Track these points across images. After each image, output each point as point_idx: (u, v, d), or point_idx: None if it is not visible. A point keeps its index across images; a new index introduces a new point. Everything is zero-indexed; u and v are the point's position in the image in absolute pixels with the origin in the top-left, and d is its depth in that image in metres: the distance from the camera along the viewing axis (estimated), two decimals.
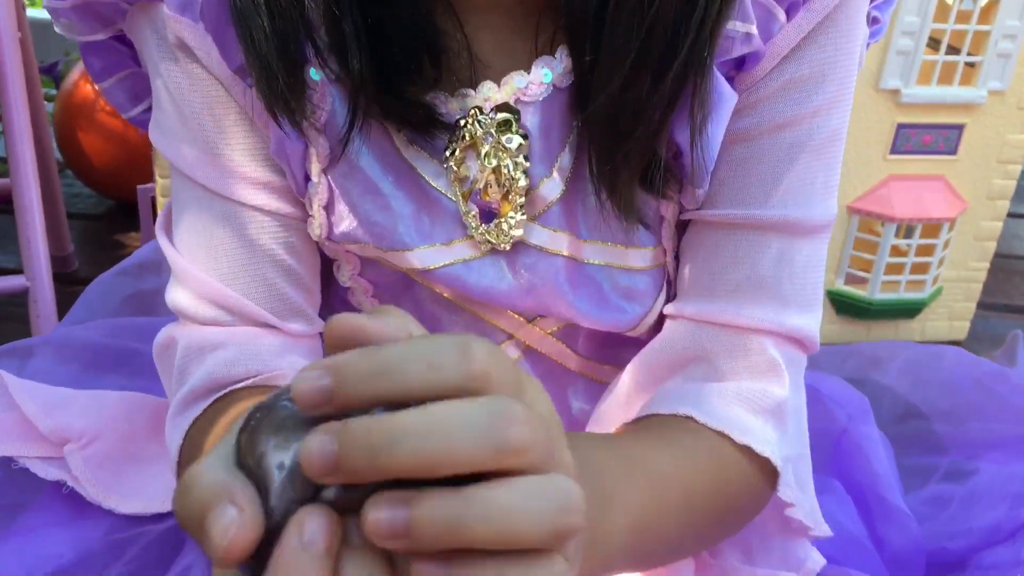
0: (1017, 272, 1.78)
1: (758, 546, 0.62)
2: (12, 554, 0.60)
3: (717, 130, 0.55)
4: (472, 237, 0.58)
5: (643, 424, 0.57)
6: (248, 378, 0.58)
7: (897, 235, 1.37)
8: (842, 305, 1.42)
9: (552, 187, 0.58)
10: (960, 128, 1.32)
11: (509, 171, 0.56)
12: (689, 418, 0.55)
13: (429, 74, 0.55)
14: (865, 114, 1.29)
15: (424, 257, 0.59)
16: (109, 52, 0.65)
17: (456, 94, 0.56)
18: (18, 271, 1.20)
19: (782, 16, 0.55)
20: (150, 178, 1.36)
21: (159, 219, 0.65)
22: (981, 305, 1.53)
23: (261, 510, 0.30)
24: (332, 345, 0.33)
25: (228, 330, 0.60)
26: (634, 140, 0.54)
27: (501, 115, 0.56)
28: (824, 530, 0.59)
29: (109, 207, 1.82)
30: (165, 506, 0.65)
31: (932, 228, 1.38)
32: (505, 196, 0.57)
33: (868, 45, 0.62)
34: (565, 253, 0.59)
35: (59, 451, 0.65)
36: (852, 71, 0.58)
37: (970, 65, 1.30)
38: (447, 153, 0.57)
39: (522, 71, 0.56)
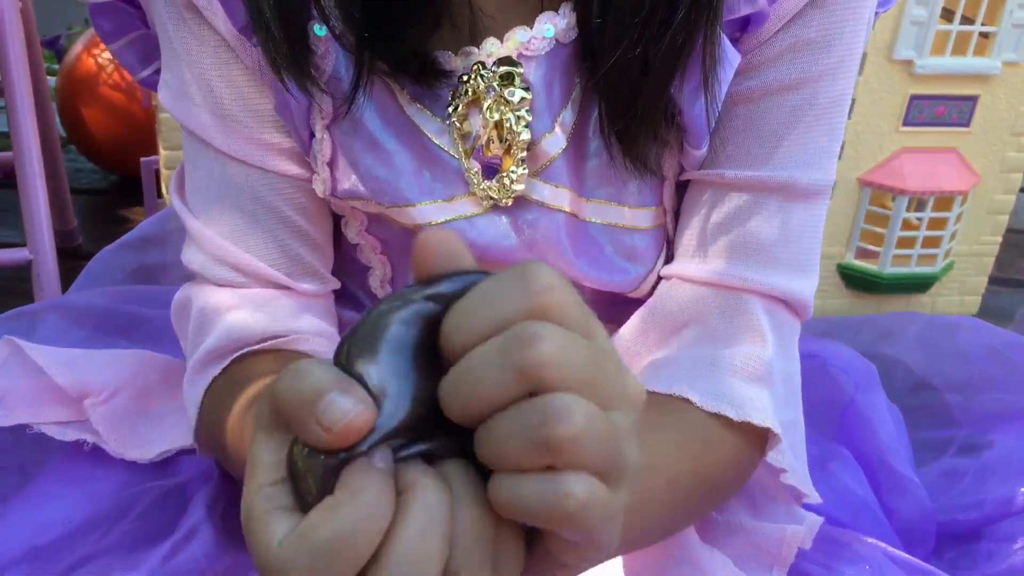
0: None
1: (763, 501, 0.62)
2: (20, 519, 0.61)
3: (719, 91, 0.55)
4: (474, 194, 0.59)
5: None
6: (263, 339, 0.59)
7: (909, 208, 1.35)
8: (852, 279, 1.41)
9: (554, 142, 0.58)
10: (974, 100, 1.31)
11: (511, 125, 0.56)
12: (685, 399, 0.55)
13: (431, 25, 0.55)
14: (878, 85, 1.27)
15: (425, 213, 0.59)
16: (118, 14, 0.66)
17: (460, 51, 0.57)
18: (22, 245, 1.20)
19: None
20: (154, 151, 1.35)
21: (173, 179, 0.66)
22: (992, 280, 1.51)
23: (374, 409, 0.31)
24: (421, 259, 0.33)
25: (242, 291, 0.61)
26: (644, 97, 0.54)
27: (503, 68, 0.56)
28: (814, 496, 0.59)
29: (113, 182, 1.81)
30: (184, 443, 0.66)
31: (944, 201, 1.36)
32: (507, 151, 0.57)
33: (878, 14, 0.62)
34: (567, 209, 0.59)
35: (75, 414, 0.65)
36: (859, 37, 0.57)
37: (984, 36, 1.28)
38: (450, 109, 0.57)
39: (525, 26, 0.56)
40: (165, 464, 0.66)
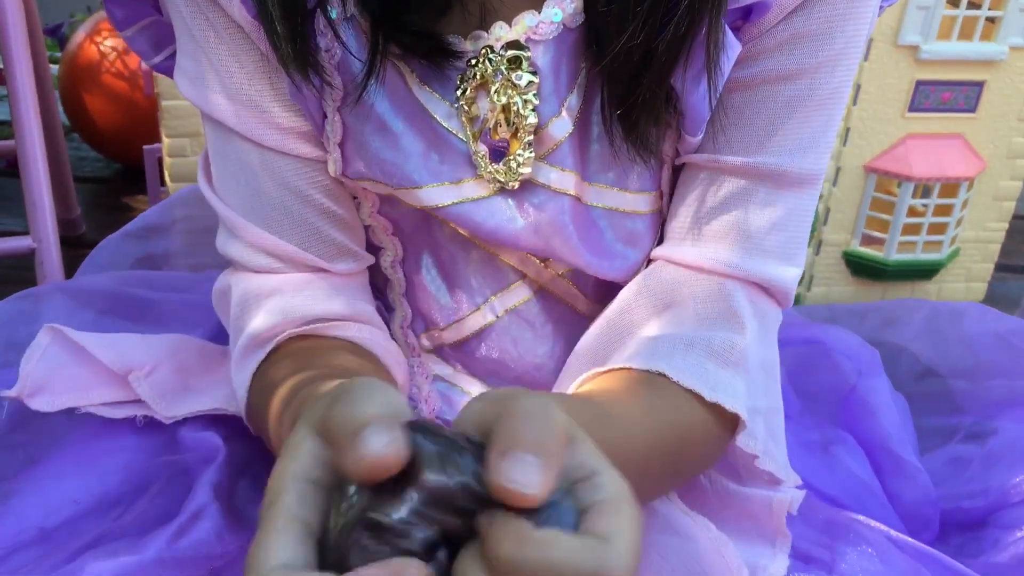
0: None
1: (747, 475, 0.62)
2: (28, 502, 0.62)
3: (720, 79, 0.56)
4: (481, 177, 0.59)
5: (615, 378, 0.58)
6: (303, 323, 0.61)
7: (914, 195, 1.34)
8: (858, 266, 1.40)
9: (561, 126, 0.58)
10: (980, 85, 1.30)
11: (518, 108, 0.56)
12: (662, 375, 0.56)
13: (442, 8, 0.56)
14: (883, 71, 1.27)
15: (433, 195, 0.59)
16: (130, 1, 0.65)
17: (469, 36, 0.57)
18: (25, 234, 1.19)
19: None
20: (157, 139, 1.35)
21: (200, 167, 0.67)
22: (998, 267, 1.50)
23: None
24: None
25: (280, 277, 0.63)
26: (646, 83, 0.54)
27: (511, 52, 0.56)
28: (792, 479, 0.60)
29: (116, 170, 1.81)
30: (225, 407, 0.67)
31: (950, 188, 1.35)
32: (514, 134, 0.57)
33: (882, 8, 0.62)
34: (572, 193, 0.60)
35: (120, 395, 0.66)
36: (861, 31, 0.58)
37: (991, 20, 1.28)
38: (458, 93, 0.58)
39: (533, 11, 0.56)
40: (170, 446, 0.66)
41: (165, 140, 1.18)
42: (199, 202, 0.95)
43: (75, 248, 1.42)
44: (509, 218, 0.60)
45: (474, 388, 0.69)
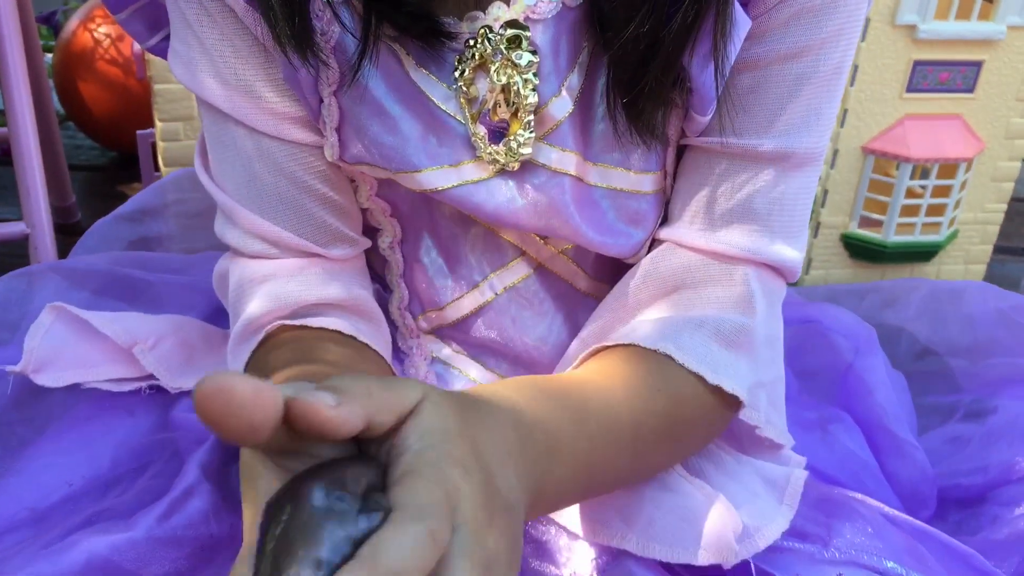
0: None
1: (748, 443, 0.64)
2: (20, 484, 0.62)
3: (729, 58, 0.55)
4: (481, 159, 0.59)
5: (620, 355, 0.58)
6: (296, 308, 0.61)
7: (913, 176, 1.34)
8: (856, 249, 1.40)
9: (561, 106, 0.58)
10: (978, 65, 1.29)
11: (518, 88, 0.56)
12: (668, 356, 0.56)
13: None
14: (881, 51, 1.26)
15: (432, 179, 0.59)
16: None
17: (465, 17, 0.57)
18: (19, 221, 1.19)
19: None
20: (151, 125, 1.34)
21: (196, 153, 0.67)
22: (997, 248, 1.50)
23: None
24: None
25: (275, 263, 0.63)
26: (653, 70, 0.54)
27: (510, 31, 0.56)
28: (790, 442, 0.63)
29: (111, 158, 1.80)
30: None
31: (948, 169, 1.35)
32: (514, 114, 0.57)
33: None
34: (573, 173, 0.59)
35: (124, 371, 0.68)
36: (861, 5, 0.58)
37: (988, 0, 1.27)
38: (456, 74, 0.57)
39: None
40: (162, 428, 0.66)
41: (158, 124, 1.18)
42: (192, 185, 0.95)
43: (70, 236, 1.42)
44: (509, 199, 0.60)
45: (472, 370, 0.69)
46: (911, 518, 0.65)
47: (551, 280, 0.66)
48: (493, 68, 0.56)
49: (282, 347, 0.59)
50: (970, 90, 1.31)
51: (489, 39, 0.56)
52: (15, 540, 0.58)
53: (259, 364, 0.60)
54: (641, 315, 0.61)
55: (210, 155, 0.64)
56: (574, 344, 0.65)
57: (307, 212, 0.62)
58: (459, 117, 0.58)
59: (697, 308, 0.60)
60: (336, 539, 0.32)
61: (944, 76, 1.29)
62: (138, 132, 1.39)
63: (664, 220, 0.64)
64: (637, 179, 0.61)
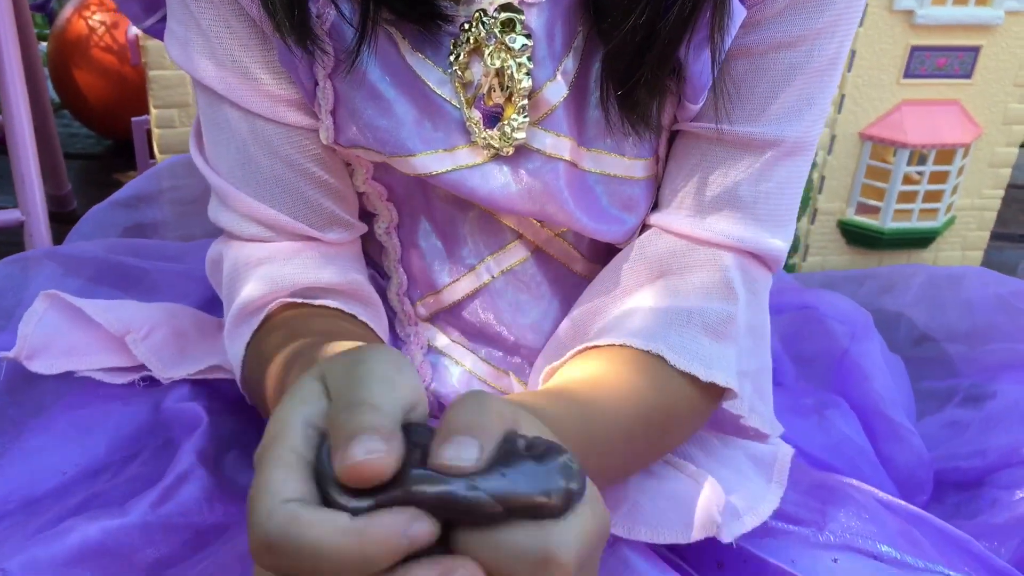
0: None
1: (734, 429, 0.64)
2: (14, 472, 0.61)
3: (723, 47, 0.55)
4: (475, 143, 0.59)
5: (608, 356, 0.58)
6: (293, 291, 0.61)
7: (910, 162, 1.34)
8: (853, 235, 1.39)
9: (555, 90, 0.58)
10: (976, 50, 1.29)
11: (512, 72, 0.56)
12: (660, 357, 0.57)
13: None
14: (878, 37, 1.25)
15: (427, 163, 0.59)
16: None
17: (462, 0, 0.57)
18: (14, 208, 1.19)
19: None
20: (146, 112, 1.34)
21: (191, 136, 0.67)
22: (995, 235, 1.50)
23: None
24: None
25: (270, 246, 0.63)
26: (648, 62, 0.54)
27: (504, 15, 0.55)
28: (778, 429, 0.63)
29: (107, 147, 1.80)
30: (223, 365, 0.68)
31: (946, 155, 1.34)
32: (508, 99, 0.57)
33: None
34: (567, 158, 0.59)
35: (117, 360, 0.67)
36: None
37: None
38: (451, 58, 0.57)
39: None
40: (154, 417, 0.66)
41: (153, 111, 1.17)
42: (187, 172, 0.95)
43: (66, 224, 1.41)
44: (503, 184, 0.59)
45: (467, 359, 0.69)
46: (906, 503, 0.65)
47: (548, 263, 0.66)
48: (487, 52, 0.56)
49: (284, 326, 0.59)
50: (968, 76, 1.30)
51: (483, 22, 0.56)
52: (7, 525, 0.58)
53: (260, 348, 0.60)
54: (630, 300, 0.61)
55: (205, 137, 0.64)
56: (564, 323, 0.65)
57: (303, 195, 0.62)
58: (454, 102, 0.58)
59: (682, 297, 0.60)
60: None
61: (942, 61, 1.29)
62: (133, 119, 1.38)
63: (654, 206, 0.64)
64: (630, 165, 0.61)
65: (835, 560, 0.59)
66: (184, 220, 0.94)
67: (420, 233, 0.66)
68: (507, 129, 0.57)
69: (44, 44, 1.72)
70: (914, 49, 1.27)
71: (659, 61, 0.54)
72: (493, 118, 0.58)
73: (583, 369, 0.58)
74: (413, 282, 0.68)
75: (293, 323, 0.60)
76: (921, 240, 1.41)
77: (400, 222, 0.66)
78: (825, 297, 0.89)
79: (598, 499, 0.36)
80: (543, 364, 0.65)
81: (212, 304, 0.76)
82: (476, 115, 0.58)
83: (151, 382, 0.68)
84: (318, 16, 0.56)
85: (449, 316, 0.68)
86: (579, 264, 0.67)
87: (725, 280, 0.60)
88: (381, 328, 0.65)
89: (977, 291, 0.90)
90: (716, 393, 0.59)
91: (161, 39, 0.65)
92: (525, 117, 0.57)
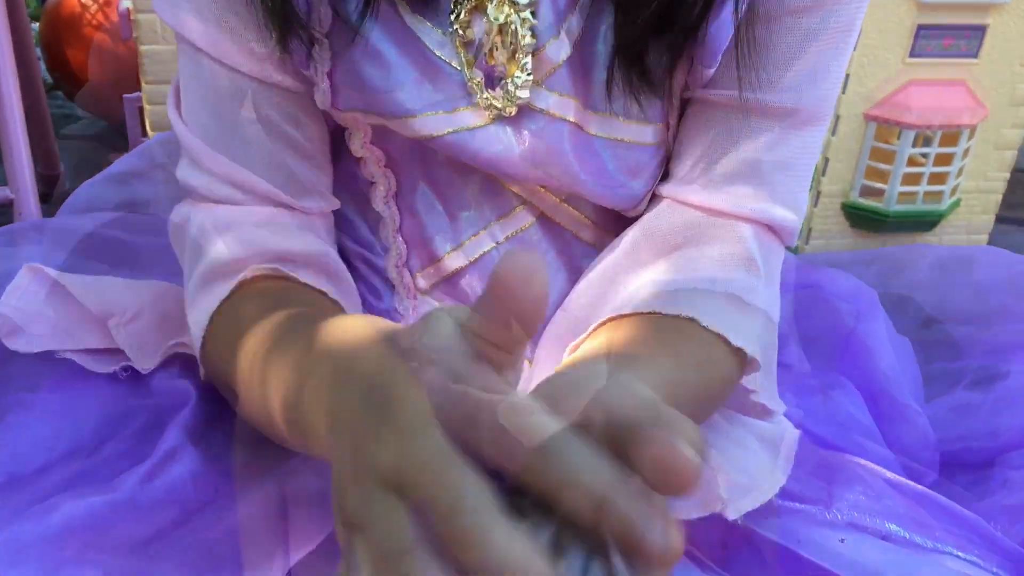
0: None
1: (738, 409, 0.63)
2: (2, 446, 0.60)
3: (742, 8, 0.55)
4: (477, 105, 0.58)
5: (640, 323, 0.57)
6: (268, 258, 0.58)
7: (915, 144, 1.32)
8: (857, 218, 1.38)
9: (559, 48, 0.57)
10: (983, 29, 1.27)
11: (516, 27, 0.55)
12: (692, 320, 0.55)
13: None
14: (884, 16, 1.23)
15: (427, 124, 0.58)
16: None
17: None
18: (3, 186, 1.17)
19: None
20: (137, 89, 1.32)
21: (170, 95, 0.65)
22: (1000, 219, 1.48)
23: None
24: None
25: (242, 209, 0.61)
26: (663, 32, 0.53)
27: None
28: (781, 408, 0.63)
29: (101, 128, 1.78)
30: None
31: (951, 136, 1.33)
32: (511, 57, 0.56)
33: None
34: (571, 119, 0.58)
35: (100, 341, 0.65)
36: None
37: None
38: (452, 17, 0.56)
39: None
40: (143, 394, 0.64)
41: (145, 87, 1.15)
42: (179, 148, 0.93)
43: (58, 206, 1.40)
44: (506, 146, 0.58)
45: None
46: (913, 483, 0.64)
47: (555, 231, 0.65)
48: (491, 5, 0.55)
49: (265, 296, 0.57)
50: (974, 55, 1.28)
51: None
52: None
53: (234, 312, 0.57)
54: (647, 272, 0.60)
55: (183, 96, 0.62)
56: (574, 296, 0.63)
57: (279, 159, 0.61)
58: (454, 63, 0.57)
59: (703, 268, 0.59)
60: None
61: (948, 41, 1.27)
62: (124, 96, 1.37)
63: (664, 176, 0.63)
64: (639, 130, 0.60)
65: (842, 540, 0.57)
66: (176, 196, 0.92)
67: (419, 200, 0.64)
68: (510, 87, 0.56)
69: (36, 24, 1.70)
70: (920, 28, 1.25)
71: (675, 30, 0.53)
72: (495, 79, 0.57)
73: (612, 338, 0.57)
74: (413, 252, 0.66)
75: (275, 295, 0.57)
76: (926, 223, 1.39)
77: (399, 190, 0.64)
78: (830, 276, 0.88)
79: None
80: (550, 335, 0.63)
81: None
82: (478, 75, 0.57)
83: (132, 372, 0.65)
84: None
85: (449, 287, 0.67)
86: (587, 231, 0.65)
87: (746, 251, 0.59)
88: (352, 307, 0.63)
89: (988, 272, 0.89)
90: (740, 362, 0.58)
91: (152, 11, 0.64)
92: (529, 75, 0.56)
